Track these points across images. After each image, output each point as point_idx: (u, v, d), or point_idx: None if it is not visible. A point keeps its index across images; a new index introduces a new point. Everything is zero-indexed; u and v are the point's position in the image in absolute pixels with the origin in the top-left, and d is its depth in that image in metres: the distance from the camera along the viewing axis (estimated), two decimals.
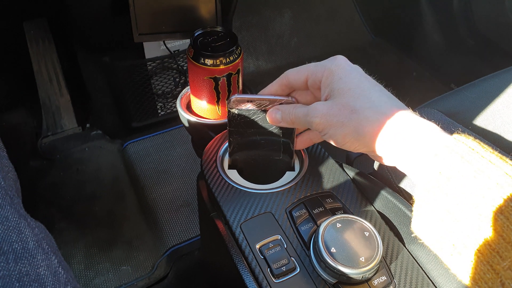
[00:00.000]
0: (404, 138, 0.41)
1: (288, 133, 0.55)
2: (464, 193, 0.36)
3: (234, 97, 0.52)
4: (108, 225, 1.08)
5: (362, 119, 0.43)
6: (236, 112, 0.53)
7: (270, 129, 0.54)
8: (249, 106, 0.52)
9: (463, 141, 0.38)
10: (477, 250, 0.35)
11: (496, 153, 0.37)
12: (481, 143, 0.38)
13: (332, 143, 0.47)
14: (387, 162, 0.45)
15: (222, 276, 0.59)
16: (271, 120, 0.52)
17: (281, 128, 0.54)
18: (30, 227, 0.42)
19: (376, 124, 0.42)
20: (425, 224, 0.40)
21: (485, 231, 0.34)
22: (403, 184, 0.58)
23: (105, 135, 1.29)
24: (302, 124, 0.49)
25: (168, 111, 1.28)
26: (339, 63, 0.47)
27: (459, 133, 0.39)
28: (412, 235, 0.42)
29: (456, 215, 0.36)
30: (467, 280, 0.36)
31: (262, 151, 0.57)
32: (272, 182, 0.56)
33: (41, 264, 0.39)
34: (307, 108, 0.48)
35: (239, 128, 0.55)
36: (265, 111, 0.53)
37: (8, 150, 0.52)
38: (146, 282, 0.97)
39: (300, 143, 0.56)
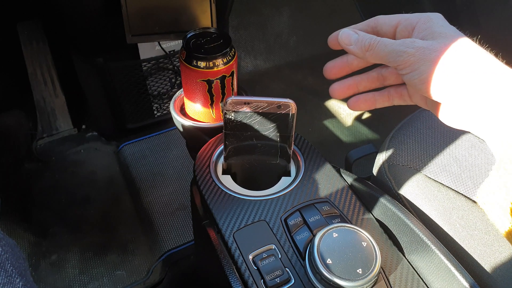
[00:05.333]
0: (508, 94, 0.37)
1: (286, 136, 0.53)
2: None
3: (230, 99, 0.50)
4: (103, 228, 1.07)
5: (468, 64, 0.38)
6: (232, 114, 0.51)
7: (267, 132, 0.53)
8: (246, 108, 0.51)
9: None
10: None
11: None
12: None
13: (415, 83, 0.41)
14: (467, 118, 0.41)
15: (215, 285, 0.57)
16: (342, 38, 0.45)
17: (278, 131, 0.52)
18: None
19: (481, 73, 0.38)
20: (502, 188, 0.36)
21: None
22: (403, 191, 0.56)
23: (100, 137, 1.28)
24: (381, 53, 0.42)
25: (164, 112, 1.26)
26: (438, 15, 0.43)
27: None
28: (474, 197, 0.39)
29: None
30: None
31: (258, 155, 0.55)
32: (268, 188, 0.55)
33: None
34: (399, 40, 0.42)
35: (235, 131, 0.53)
36: (262, 113, 0.51)
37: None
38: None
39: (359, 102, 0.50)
